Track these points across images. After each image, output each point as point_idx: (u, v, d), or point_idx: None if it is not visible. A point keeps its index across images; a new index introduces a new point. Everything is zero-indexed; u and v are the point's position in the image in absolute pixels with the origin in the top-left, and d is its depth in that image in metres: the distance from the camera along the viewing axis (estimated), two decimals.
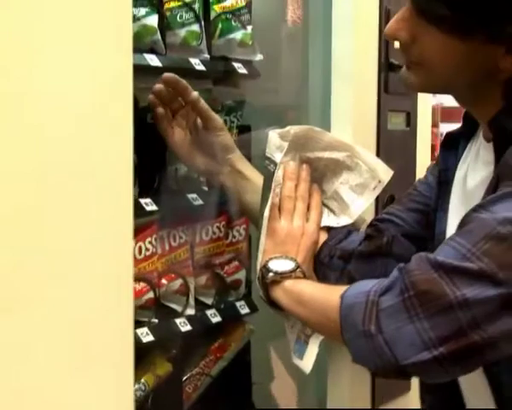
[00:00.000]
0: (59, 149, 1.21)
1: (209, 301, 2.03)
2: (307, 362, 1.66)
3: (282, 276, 1.52)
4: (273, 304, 1.55)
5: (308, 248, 1.62)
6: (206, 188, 1.96)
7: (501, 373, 1.37)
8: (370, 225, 1.68)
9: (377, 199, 2.05)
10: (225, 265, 2.06)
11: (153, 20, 1.80)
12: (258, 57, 2.08)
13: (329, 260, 1.63)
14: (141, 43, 1.79)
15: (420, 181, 1.67)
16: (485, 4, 1.26)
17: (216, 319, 1.99)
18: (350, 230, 1.67)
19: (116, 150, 1.31)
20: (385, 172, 1.72)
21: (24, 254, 1.16)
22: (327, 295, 1.40)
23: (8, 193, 1.13)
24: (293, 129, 1.67)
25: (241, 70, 2.02)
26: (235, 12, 2.02)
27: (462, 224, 1.27)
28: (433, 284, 1.21)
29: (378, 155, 2.02)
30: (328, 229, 1.68)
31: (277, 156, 1.62)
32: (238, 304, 2.07)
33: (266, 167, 1.64)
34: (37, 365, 1.19)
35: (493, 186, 1.29)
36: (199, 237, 2.00)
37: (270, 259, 1.56)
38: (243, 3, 2.04)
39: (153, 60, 1.77)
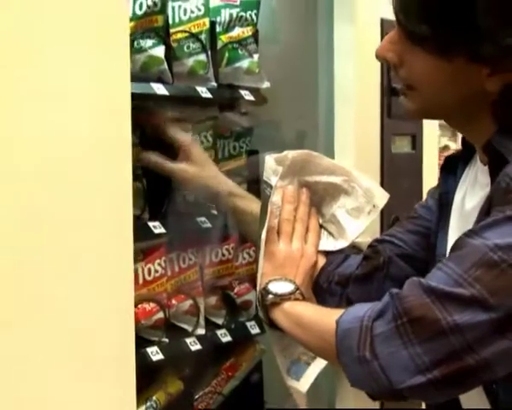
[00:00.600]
0: (59, 177, 1.28)
1: (220, 321, 2.09)
2: (304, 384, 1.70)
3: (282, 298, 1.55)
4: (272, 325, 1.58)
5: (307, 270, 1.65)
6: (215, 212, 2.02)
7: (498, 390, 1.39)
8: (369, 245, 1.71)
9: (382, 221, 2.11)
10: (235, 286, 2.11)
11: (159, 51, 1.88)
12: (266, 85, 2.16)
13: (328, 285, 1.66)
14: (148, 73, 1.87)
15: (420, 204, 1.70)
16: (465, 24, 1.29)
17: (226, 338, 2.05)
18: (347, 254, 1.70)
19: (116, 177, 1.37)
20: (380, 197, 1.76)
21: (25, 272, 1.23)
22: (324, 319, 1.43)
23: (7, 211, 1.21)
24: (290, 153, 1.71)
25: (248, 97, 2.09)
26: (241, 41, 2.10)
27: (455, 248, 1.29)
28: (425, 309, 1.23)
29: (382, 178, 2.06)
30: (327, 253, 1.71)
31: (273, 180, 1.67)
32: (249, 324, 2.12)
33: (264, 191, 1.69)
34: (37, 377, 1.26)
35: (485, 209, 1.32)
36: (208, 258, 2.07)
37: (270, 281, 1.59)
38: (249, 33, 2.12)
39: (159, 89, 1.85)
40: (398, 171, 2.11)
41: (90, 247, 1.33)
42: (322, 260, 1.69)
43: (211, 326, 2.06)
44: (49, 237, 1.27)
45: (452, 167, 1.56)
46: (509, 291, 1.20)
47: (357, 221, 1.74)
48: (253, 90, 2.13)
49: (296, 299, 1.55)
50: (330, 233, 1.76)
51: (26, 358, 1.23)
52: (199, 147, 1.93)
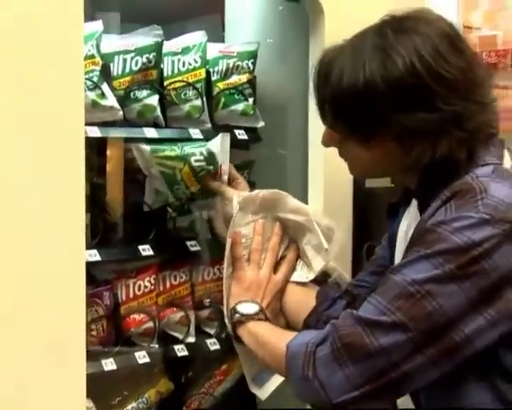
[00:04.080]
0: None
1: (212, 331, 2.39)
2: (265, 391, 2.01)
3: (247, 317, 1.84)
4: (239, 340, 1.87)
5: (273, 294, 1.93)
6: (209, 236, 2.32)
7: (420, 396, 1.64)
8: (346, 291, 1.94)
9: (354, 248, 2.36)
10: None
11: (153, 100, 2.21)
12: (261, 124, 2.44)
13: (316, 323, 1.87)
14: (144, 119, 2.20)
15: (379, 247, 1.96)
16: (371, 114, 1.55)
17: (215, 347, 2.34)
18: (334, 298, 1.92)
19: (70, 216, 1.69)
20: (338, 235, 2.02)
21: None
22: (278, 341, 1.70)
23: None
24: (261, 192, 1.99)
25: (242, 136, 2.38)
26: (237, 87, 2.39)
27: (382, 283, 1.55)
28: (356, 336, 1.50)
29: (354, 212, 2.30)
30: (318, 296, 1.93)
31: (234, 214, 1.95)
32: None
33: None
34: None
35: (408, 247, 1.58)
36: (201, 277, 2.37)
37: (240, 302, 1.88)
38: (245, 80, 2.40)
39: (150, 132, 2.17)
40: (372, 204, 2.33)
41: (43, 264, 1.65)
42: (291, 287, 1.97)
43: (204, 335, 2.37)
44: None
45: (395, 211, 1.81)
46: (423, 317, 1.45)
47: (319, 256, 2.01)
48: (249, 130, 2.41)
49: (259, 319, 1.84)
50: (305, 264, 2.04)
51: None
52: None
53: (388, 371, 1.47)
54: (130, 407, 2.25)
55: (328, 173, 2.26)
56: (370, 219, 2.34)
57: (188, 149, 2.15)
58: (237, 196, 1.99)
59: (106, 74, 2.11)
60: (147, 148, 2.16)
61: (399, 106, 1.52)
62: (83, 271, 1.69)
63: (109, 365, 2.08)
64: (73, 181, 1.66)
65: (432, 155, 1.54)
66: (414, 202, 1.71)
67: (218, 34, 2.58)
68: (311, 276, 2.01)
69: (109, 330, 2.16)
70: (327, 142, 1.74)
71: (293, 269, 2.01)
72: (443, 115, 1.51)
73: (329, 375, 1.52)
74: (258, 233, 1.98)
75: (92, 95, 2.03)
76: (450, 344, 1.45)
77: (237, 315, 1.85)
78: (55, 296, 1.68)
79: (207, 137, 2.28)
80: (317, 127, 2.24)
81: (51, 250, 1.66)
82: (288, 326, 1.91)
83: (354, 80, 1.54)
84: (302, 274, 2.01)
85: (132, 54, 2.17)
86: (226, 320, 1.93)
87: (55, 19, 1.64)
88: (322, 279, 2.07)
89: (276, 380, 2.03)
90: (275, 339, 1.73)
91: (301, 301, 1.96)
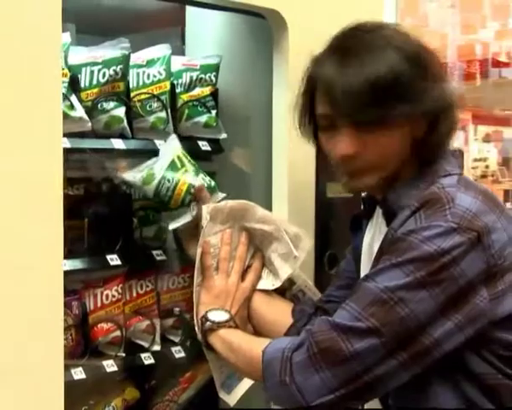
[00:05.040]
0: None
1: (177, 339, 2.42)
2: (234, 397, 2.05)
3: (218, 325, 1.87)
4: (209, 347, 1.90)
5: (241, 302, 1.97)
6: (174, 246, 2.36)
7: (388, 397, 1.70)
8: (318, 307, 1.98)
9: (317, 257, 2.42)
10: (192, 309, 2.43)
11: (120, 112, 2.24)
12: (223, 136, 2.49)
13: None
14: (110, 130, 2.23)
15: (344, 260, 2.02)
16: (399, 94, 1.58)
17: (180, 354, 2.38)
18: (310, 314, 1.97)
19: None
20: (306, 242, 2.08)
21: None
22: (252, 348, 1.74)
23: None
24: (229, 203, 2.04)
25: (205, 147, 2.43)
26: (200, 99, 2.44)
27: (355, 290, 1.61)
28: (331, 342, 1.55)
29: (317, 221, 2.36)
30: (294, 311, 1.98)
31: (204, 224, 1.99)
32: None
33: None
34: None
35: (378, 256, 1.64)
36: (166, 285, 2.41)
37: (210, 310, 1.91)
38: (208, 92, 2.45)
39: (118, 143, 2.20)
40: (334, 212, 2.40)
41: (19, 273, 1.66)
42: (258, 295, 2.01)
43: (168, 343, 2.40)
44: None
45: (358, 224, 1.87)
46: (395, 322, 1.51)
47: (286, 264, 2.07)
48: (212, 141, 2.46)
49: (230, 327, 1.87)
50: (271, 271, 2.09)
51: None
52: None
53: (362, 374, 1.53)
54: None
55: (292, 184, 2.32)
56: (331, 228, 2.41)
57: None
58: (207, 206, 2.03)
59: (74, 86, 2.13)
60: None
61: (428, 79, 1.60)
62: (61, 280, 1.71)
63: (79, 374, 2.10)
64: (51, 191, 1.68)
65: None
66: (378, 214, 1.77)
67: (177, 47, 2.63)
68: (277, 284, 2.06)
69: (78, 340, 2.17)
70: (349, 149, 1.63)
71: (259, 277, 2.06)
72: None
73: (306, 379, 1.57)
74: (225, 243, 2.02)
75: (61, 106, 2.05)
76: (420, 348, 1.51)
77: (208, 323, 1.88)
78: (33, 306, 1.69)
79: None
80: (280, 138, 2.34)
81: (29, 260, 1.67)
82: (255, 333, 1.96)
83: (376, 71, 1.56)
84: (268, 282, 2.07)
85: (100, 66, 2.20)
86: (196, 328, 1.96)
87: (34, 29, 1.66)
88: (287, 286, 2.13)
89: (244, 385, 2.07)
90: (249, 346, 1.77)
91: (267, 309, 2.01)
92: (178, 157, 2.18)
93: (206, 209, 2.01)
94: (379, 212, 1.77)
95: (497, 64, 5.51)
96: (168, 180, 2.13)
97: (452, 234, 1.50)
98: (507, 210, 1.62)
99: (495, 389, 1.56)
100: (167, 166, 2.15)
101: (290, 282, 2.14)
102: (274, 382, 1.62)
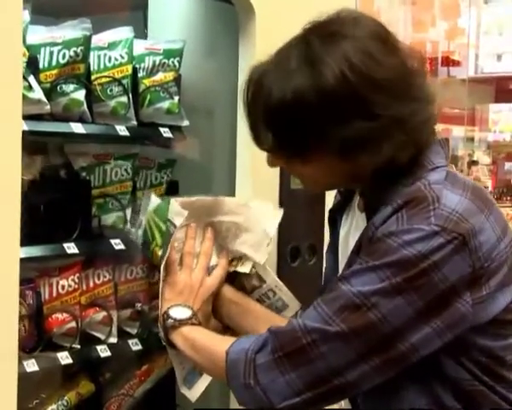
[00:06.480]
0: None
1: (133, 331, 2.35)
2: (195, 392, 1.98)
3: (180, 322, 1.79)
4: (171, 344, 1.82)
5: (205, 298, 1.89)
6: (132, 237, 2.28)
7: (358, 399, 1.65)
8: None
9: (279, 249, 2.38)
10: (150, 301, 2.37)
11: (80, 95, 2.16)
12: (185, 123, 2.43)
13: None
14: (70, 114, 2.15)
15: (325, 265, 1.90)
16: (290, 130, 1.49)
17: (137, 347, 2.31)
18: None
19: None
20: (273, 223, 2.02)
21: None
22: (216, 347, 1.67)
23: None
24: (199, 200, 1.97)
25: (167, 134, 2.36)
26: (163, 85, 2.37)
27: (329, 290, 1.54)
28: (297, 343, 1.49)
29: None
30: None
31: (177, 220, 1.92)
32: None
33: (168, 228, 1.94)
34: None
35: (355, 251, 1.57)
36: (124, 276, 2.34)
37: (172, 306, 1.83)
38: (171, 78, 2.38)
39: (78, 127, 2.12)
40: (297, 204, 2.35)
41: None
42: (227, 289, 1.94)
43: (125, 336, 2.33)
44: None
45: (334, 220, 1.80)
46: (368, 328, 1.45)
47: (258, 254, 2.00)
48: (174, 128, 2.40)
49: (193, 324, 1.79)
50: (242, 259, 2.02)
51: None
52: None
53: (330, 378, 1.48)
54: (49, 409, 2.19)
55: (256, 174, 2.27)
56: (295, 220, 2.36)
57: None
58: (175, 200, 1.96)
59: (33, 67, 2.05)
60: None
61: (335, 118, 1.46)
62: (16, 268, 1.64)
63: (31, 366, 2.02)
64: (9, 175, 1.61)
65: (377, 162, 1.50)
66: (354, 207, 1.71)
67: (140, 31, 2.55)
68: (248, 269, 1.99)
69: (31, 330, 2.09)
70: (272, 162, 1.64)
71: (225, 273, 1.99)
72: (383, 121, 1.46)
73: (271, 381, 1.51)
74: (190, 237, 1.94)
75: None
76: (394, 353, 1.46)
77: (170, 320, 1.80)
78: None
79: (133, 134, 2.26)
80: (245, 127, 2.28)
81: None
82: (224, 330, 1.91)
83: (282, 96, 1.47)
84: (245, 267, 1.99)
85: (60, 46, 2.12)
86: (159, 325, 1.89)
87: None
88: (257, 285, 2.06)
89: (205, 381, 2.01)
90: (212, 345, 1.71)
91: (239, 306, 1.94)
92: (149, 225, 2.03)
93: (175, 204, 1.94)
94: (356, 201, 1.70)
95: (447, 63, 5.51)
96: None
97: (434, 238, 1.43)
98: (496, 206, 1.56)
99: (470, 396, 1.51)
100: (143, 230, 2.04)
101: (260, 280, 2.08)
102: (238, 384, 1.56)
